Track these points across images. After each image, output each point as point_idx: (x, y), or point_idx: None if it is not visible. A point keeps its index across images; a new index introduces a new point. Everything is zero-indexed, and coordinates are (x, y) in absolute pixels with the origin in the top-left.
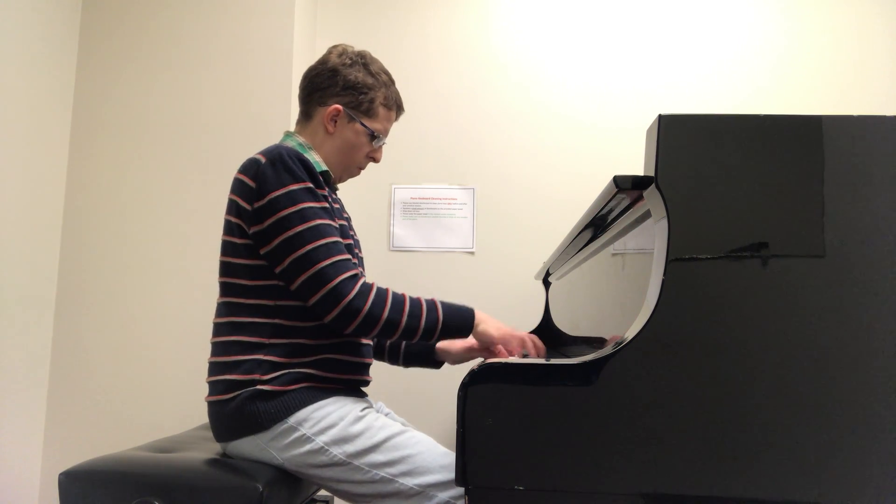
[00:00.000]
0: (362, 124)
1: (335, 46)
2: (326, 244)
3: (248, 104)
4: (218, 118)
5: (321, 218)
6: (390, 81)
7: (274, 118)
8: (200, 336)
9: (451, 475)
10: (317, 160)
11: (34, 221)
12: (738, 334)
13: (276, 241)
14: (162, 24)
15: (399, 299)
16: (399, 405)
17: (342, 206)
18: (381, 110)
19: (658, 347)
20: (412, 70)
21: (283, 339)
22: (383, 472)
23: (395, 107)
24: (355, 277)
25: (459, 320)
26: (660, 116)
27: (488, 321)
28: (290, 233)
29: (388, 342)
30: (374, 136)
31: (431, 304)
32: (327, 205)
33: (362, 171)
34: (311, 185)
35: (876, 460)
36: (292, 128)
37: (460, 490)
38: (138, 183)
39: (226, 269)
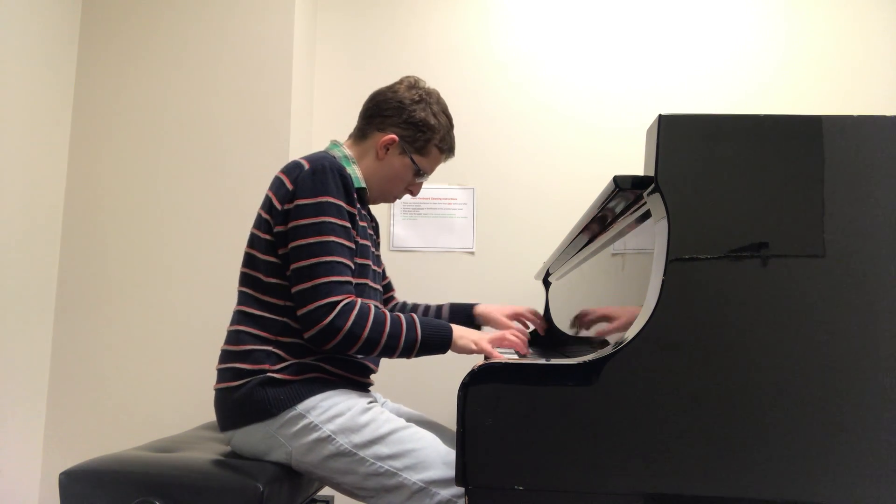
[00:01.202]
0: (412, 160)
1: (408, 77)
2: (329, 262)
3: (248, 104)
4: (217, 118)
5: (336, 235)
6: (450, 126)
7: (274, 118)
8: (201, 335)
9: (454, 473)
10: (357, 175)
11: (34, 221)
12: (738, 334)
13: (290, 247)
14: (161, 24)
15: (380, 319)
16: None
17: (374, 223)
18: (434, 151)
19: (658, 347)
20: (412, 70)
21: (290, 339)
22: (387, 465)
23: (448, 150)
24: (339, 301)
25: (438, 339)
26: (660, 116)
27: (466, 336)
28: (301, 242)
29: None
30: (420, 174)
31: (411, 323)
32: (349, 224)
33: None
34: (341, 202)
35: (877, 460)
36: (291, 127)
37: (462, 488)
38: (138, 182)
39: (248, 261)
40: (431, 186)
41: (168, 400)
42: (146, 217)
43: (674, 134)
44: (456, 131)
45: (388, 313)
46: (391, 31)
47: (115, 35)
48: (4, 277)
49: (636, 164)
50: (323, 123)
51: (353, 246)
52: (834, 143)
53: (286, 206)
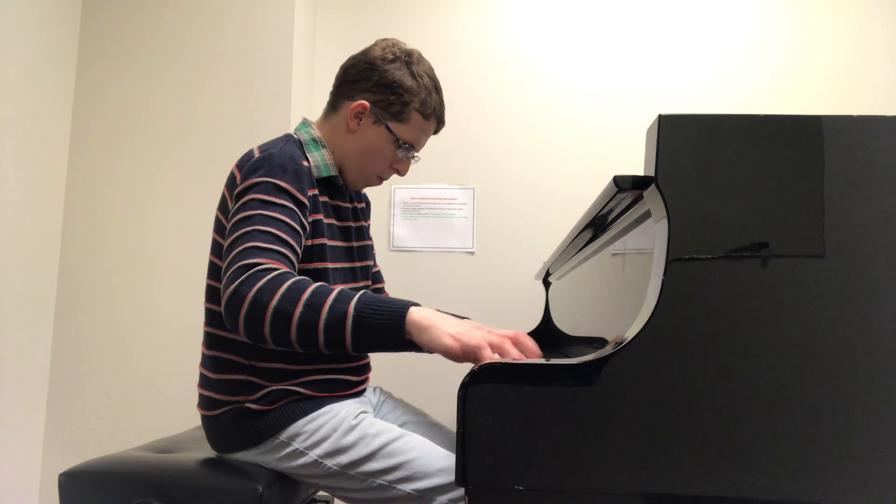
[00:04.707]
0: (388, 128)
1: (383, 39)
2: (250, 231)
3: (248, 104)
4: (217, 118)
5: (267, 210)
6: (434, 88)
7: (273, 118)
8: (200, 337)
9: (451, 478)
10: (326, 162)
11: (34, 221)
12: (738, 334)
13: None
14: (161, 24)
15: (299, 286)
16: None
17: (363, 205)
18: (416, 117)
19: (658, 347)
20: None
21: (266, 363)
22: (380, 480)
23: (434, 118)
24: (252, 265)
25: (382, 318)
26: (660, 116)
27: (440, 327)
28: (229, 226)
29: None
30: (401, 145)
31: (346, 294)
32: (293, 206)
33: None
34: (284, 184)
35: (878, 460)
36: (291, 127)
37: (460, 492)
38: (138, 183)
39: (212, 271)
40: (431, 186)
41: (168, 400)
42: (146, 217)
43: (674, 134)
44: (456, 131)
45: (317, 283)
46: (391, 29)
47: (114, 35)
48: (4, 277)
49: (636, 164)
50: None
51: (293, 224)
52: (834, 143)
53: (233, 205)
